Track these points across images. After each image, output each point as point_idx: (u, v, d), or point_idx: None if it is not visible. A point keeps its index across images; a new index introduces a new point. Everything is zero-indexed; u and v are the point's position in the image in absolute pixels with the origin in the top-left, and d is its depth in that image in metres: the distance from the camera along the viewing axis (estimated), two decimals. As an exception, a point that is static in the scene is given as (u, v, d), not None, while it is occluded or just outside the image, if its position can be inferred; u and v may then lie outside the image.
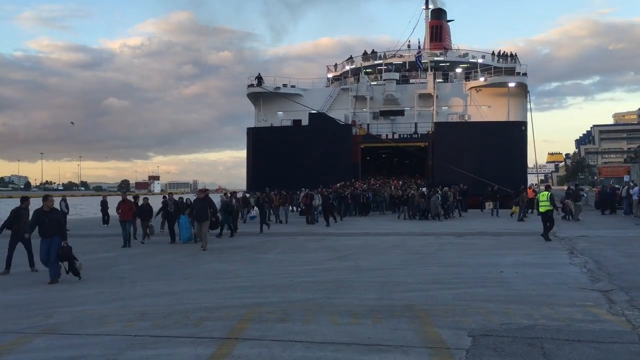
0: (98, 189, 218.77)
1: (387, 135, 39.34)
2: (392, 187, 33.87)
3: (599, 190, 31.29)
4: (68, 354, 5.34)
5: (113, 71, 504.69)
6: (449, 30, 51.76)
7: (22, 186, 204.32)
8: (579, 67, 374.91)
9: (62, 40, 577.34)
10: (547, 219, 15.77)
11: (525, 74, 40.27)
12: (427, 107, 39.80)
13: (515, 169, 35.91)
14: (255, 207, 24.79)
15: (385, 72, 42.27)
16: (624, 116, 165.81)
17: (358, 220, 26.66)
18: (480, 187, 31.62)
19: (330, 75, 46.54)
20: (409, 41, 47.13)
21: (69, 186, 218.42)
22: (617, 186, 30.09)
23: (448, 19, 51.91)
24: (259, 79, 41.28)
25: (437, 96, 39.60)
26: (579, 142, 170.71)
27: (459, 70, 43.79)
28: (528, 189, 27.38)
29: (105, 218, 25.78)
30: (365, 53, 46.90)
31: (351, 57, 47.05)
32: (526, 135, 38.18)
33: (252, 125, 42.35)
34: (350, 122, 39.83)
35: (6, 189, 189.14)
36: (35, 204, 10.50)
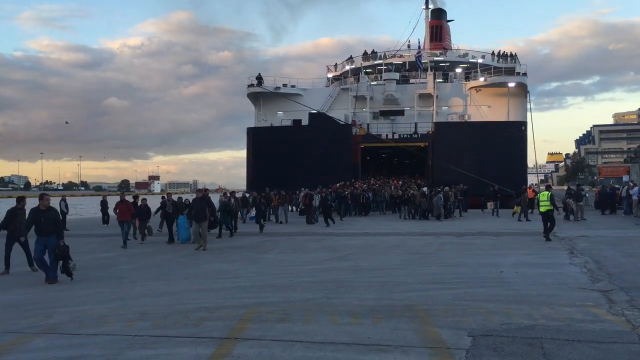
0: (98, 188, 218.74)
1: (387, 135, 39.33)
2: (392, 187, 33.86)
3: (599, 190, 31.27)
4: (68, 353, 5.34)
5: (113, 71, 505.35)
6: (449, 30, 51.79)
7: (22, 186, 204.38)
8: (579, 67, 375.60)
9: (62, 40, 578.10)
10: (547, 218, 15.78)
11: (525, 74, 40.26)
12: (427, 107, 39.79)
13: (515, 169, 35.90)
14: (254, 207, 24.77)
15: (385, 72, 42.26)
16: (624, 116, 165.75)
17: (358, 220, 26.65)
18: (481, 187, 31.62)
19: (330, 75, 46.54)
20: (409, 41, 47.22)
21: (69, 186, 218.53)
22: (617, 186, 30.09)
23: (448, 19, 51.95)
24: (259, 79, 41.28)
25: (437, 96, 39.59)
26: (579, 142, 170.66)
27: (459, 70, 43.79)
28: (528, 189, 27.39)
29: (105, 218, 25.76)
30: (365, 53, 46.90)
31: (351, 57, 47.06)
32: (526, 135, 38.18)
33: (252, 125, 42.36)
34: (350, 122, 39.83)
35: (6, 188, 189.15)
36: (33, 204, 10.47)
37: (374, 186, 34.13)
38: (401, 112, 40.68)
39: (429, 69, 41.29)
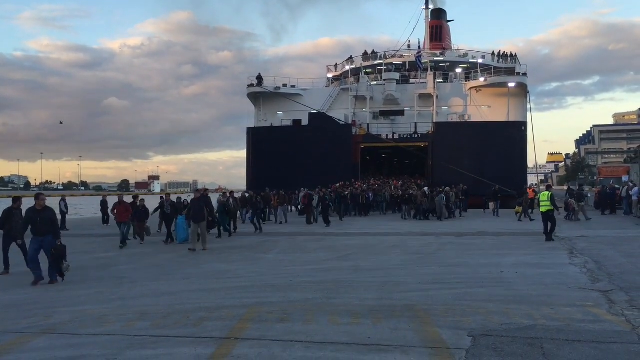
0: (98, 188, 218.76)
1: (387, 135, 39.34)
2: (392, 187, 33.86)
3: (599, 191, 31.26)
4: (67, 353, 5.34)
5: (113, 71, 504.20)
6: (449, 30, 51.80)
7: (22, 186, 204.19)
8: (579, 68, 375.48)
9: (62, 40, 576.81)
10: (548, 218, 15.77)
11: (525, 74, 40.28)
12: (427, 107, 39.80)
13: (515, 169, 35.90)
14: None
15: (385, 72, 42.26)
16: (624, 116, 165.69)
17: (358, 220, 26.65)
18: (481, 187, 31.61)
19: (330, 75, 46.55)
20: (409, 41, 47.23)
21: (69, 186, 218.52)
22: (617, 186, 30.09)
23: (448, 19, 51.97)
24: (259, 79, 41.27)
25: (437, 96, 39.60)
26: (579, 142, 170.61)
27: (459, 70, 43.81)
28: (528, 189, 27.38)
29: (105, 218, 25.75)
30: (365, 53, 46.91)
31: (351, 57, 47.07)
32: (526, 135, 38.20)
33: (252, 125, 42.36)
34: (350, 122, 39.84)
35: (6, 188, 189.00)
36: (30, 204, 10.47)
37: (374, 186, 34.12)
38: (401, 112, 40.69)
39: (429, 69, 41.30)
